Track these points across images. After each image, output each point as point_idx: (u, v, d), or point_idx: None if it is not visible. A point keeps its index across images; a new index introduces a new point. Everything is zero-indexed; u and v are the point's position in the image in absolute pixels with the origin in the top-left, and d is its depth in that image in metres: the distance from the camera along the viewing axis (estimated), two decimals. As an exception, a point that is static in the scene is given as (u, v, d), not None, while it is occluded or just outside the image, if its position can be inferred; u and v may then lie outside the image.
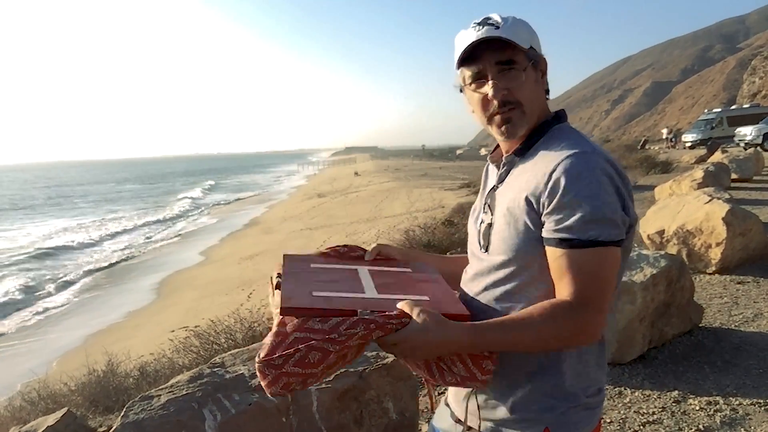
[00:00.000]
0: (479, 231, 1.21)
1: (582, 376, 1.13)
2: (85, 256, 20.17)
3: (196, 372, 1.61)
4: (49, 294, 14.42)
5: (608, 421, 2.85)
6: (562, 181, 1.03)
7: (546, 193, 1.05)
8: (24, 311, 12.84)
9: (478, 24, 1.13)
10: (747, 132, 21.90)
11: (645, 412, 2.89)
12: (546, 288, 1.08)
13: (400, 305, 1.05)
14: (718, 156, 14.03)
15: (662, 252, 3.91)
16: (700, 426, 2.71)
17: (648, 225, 6.01)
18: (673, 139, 35.48)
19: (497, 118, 1.15)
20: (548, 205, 1.05)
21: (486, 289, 1.17)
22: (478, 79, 1.15)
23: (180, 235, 23.37)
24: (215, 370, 1.62)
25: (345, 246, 1.39)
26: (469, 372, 1.08)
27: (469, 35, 1.12)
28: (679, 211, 5.76)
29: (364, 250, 1.38)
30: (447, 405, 1.30)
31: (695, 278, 4.89)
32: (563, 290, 1.04)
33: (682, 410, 2.88)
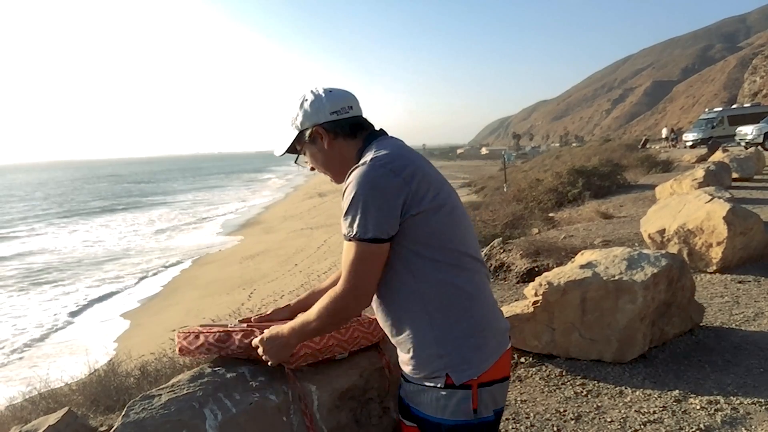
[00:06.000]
0: None
1: (452, 324, 1.36)
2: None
3: (197, 371, 1.61)
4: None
5: (609, 420, 2.85)
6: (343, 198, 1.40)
7: None
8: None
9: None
10: (748, 131, 21.87)
11: (646, 411, 2.89)
12: None
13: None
14: (718, 155, 14.04)
15: (663, 251, 3.91)
16: (701, 425, 2.71)
17: (649, 224, 6.00)
18: (674, 139, 35.42)
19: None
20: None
21: None
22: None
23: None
24: (216, 369, 1.62)
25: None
26: None
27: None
28: (680, 210, 5.76)
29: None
30: None
31: (696, 277, 4.89)
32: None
33: (682, 409, 2.88)
